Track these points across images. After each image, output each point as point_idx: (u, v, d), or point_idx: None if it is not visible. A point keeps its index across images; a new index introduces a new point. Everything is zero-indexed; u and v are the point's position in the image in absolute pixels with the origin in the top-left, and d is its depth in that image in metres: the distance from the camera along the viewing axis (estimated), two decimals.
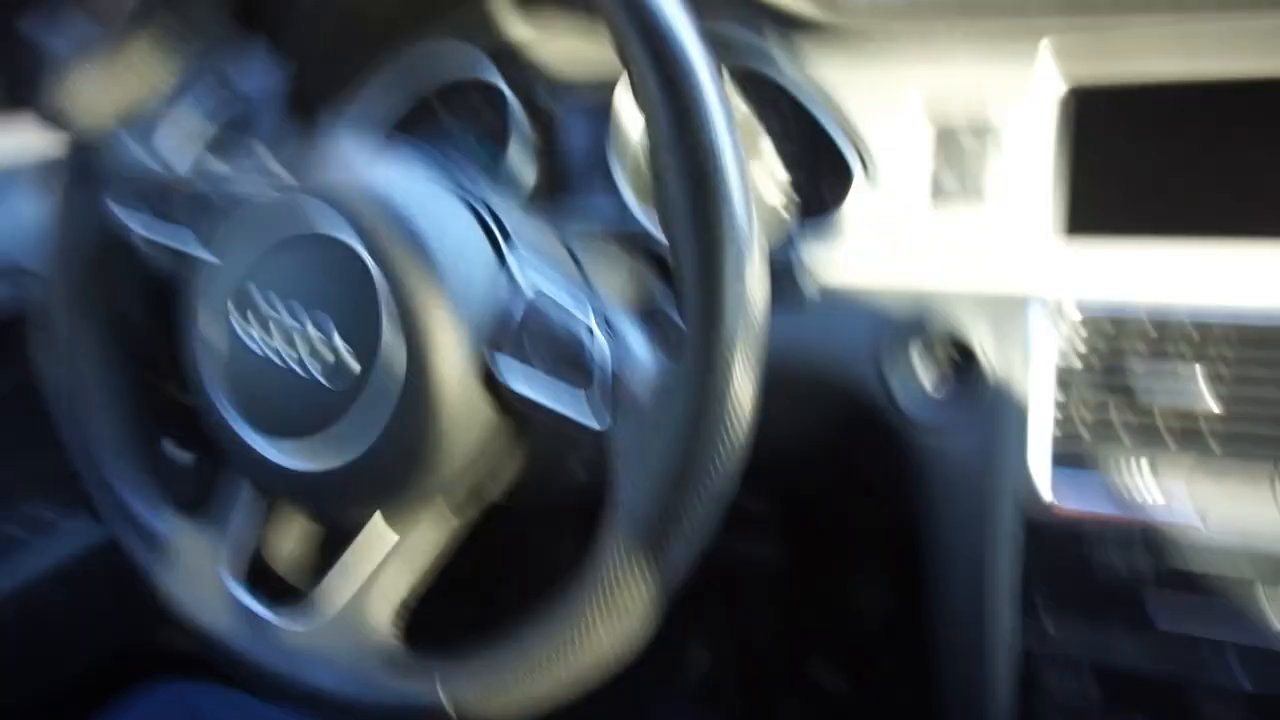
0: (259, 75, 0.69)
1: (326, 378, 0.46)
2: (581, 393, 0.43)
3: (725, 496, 0.40)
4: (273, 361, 0.47)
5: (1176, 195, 0.57)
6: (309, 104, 0.74)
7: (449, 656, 0.47)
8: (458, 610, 0.55)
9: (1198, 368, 0.52)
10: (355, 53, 0.74)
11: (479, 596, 0.54)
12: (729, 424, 0.39)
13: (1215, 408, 0.51)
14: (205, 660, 0.55)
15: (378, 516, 0.51)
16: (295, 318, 0.47)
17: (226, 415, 0.49)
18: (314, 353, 0.46)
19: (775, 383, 0.60)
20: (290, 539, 0.56)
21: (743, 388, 0.39)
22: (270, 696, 0.54)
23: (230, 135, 0.63)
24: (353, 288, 0.46)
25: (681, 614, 1.25)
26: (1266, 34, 0.52)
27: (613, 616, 0.42)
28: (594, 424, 0.42)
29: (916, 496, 0.59)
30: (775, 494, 1.12)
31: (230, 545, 0.54)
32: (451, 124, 0.74)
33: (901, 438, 0.58)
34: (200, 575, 0.55)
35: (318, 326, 0.46)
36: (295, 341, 0.47)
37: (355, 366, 0.45)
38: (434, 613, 0.54)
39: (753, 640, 1.26)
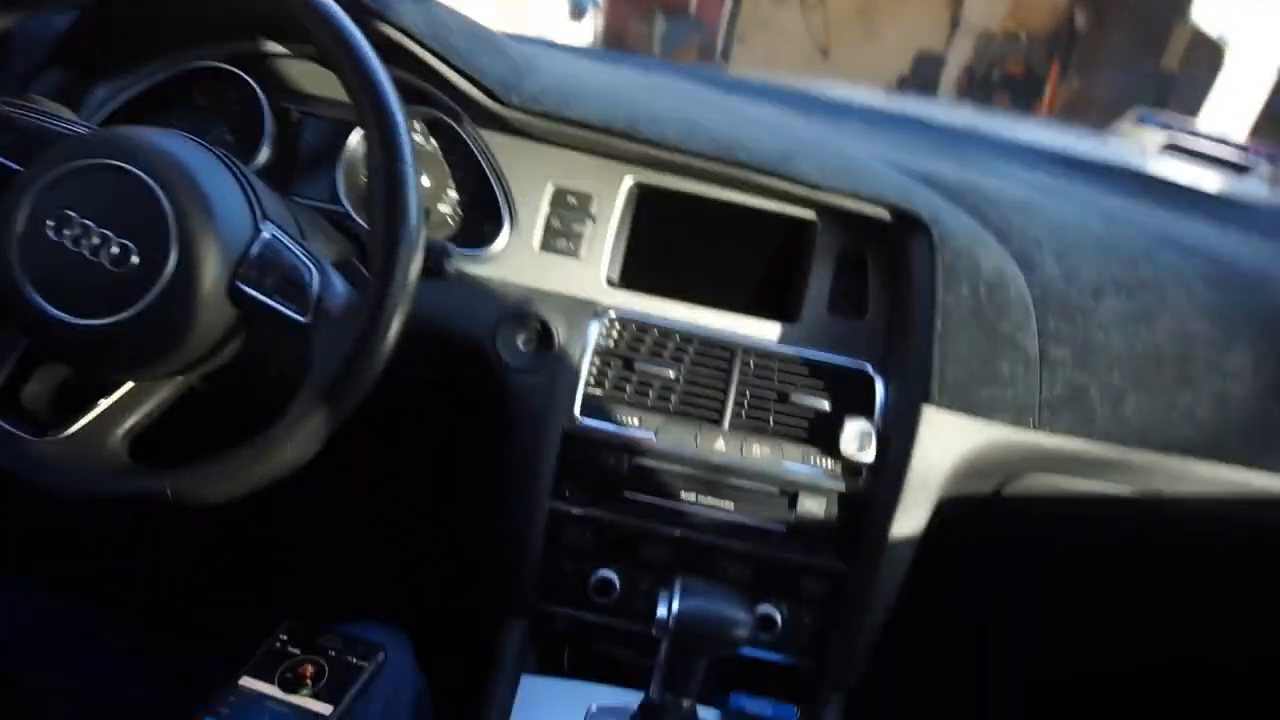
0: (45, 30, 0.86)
1: (110, 264, 0.67)
2: (295, 305, 0.70)
3: (378, 375, 0.69)
4: (65, 248, 0.68)
5: (675, 271, 0.98)
6: (84, 68, 0.92)
7: (174, 466, 0.70)
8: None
9: (669, 355, 0.92)
10: (131, 55, 0.93)
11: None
12: (388, 331, 0.68)
13: (675, 378, 0.91)
14: None
15: None
16: (92, 221, 0.67)
17: (19, 284, 0.68)
18: (104, 246, 0.67)
19: (427, 336, 0.92)
20: (47, 383, 0.75)
21: (398, 312, 0.68)
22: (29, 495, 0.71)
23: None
24: (140, 207, 0.68)
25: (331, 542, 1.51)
26: (746, 179, 0.94)
27: (297, 437, 0.69)
28: (302, 320, 0.70)
29: (504, 418, 0.92)
30: (410, 438, 1.41)
31: None
32: (207, 105, 0.96)
33: (500, 377, 0.91)
34: None
35: (109, 229, 0.67)
36: (89, 236, 0.67)
37: (135, 259, 0.68)
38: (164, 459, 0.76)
39: (386, 554, 1.53)
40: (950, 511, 0.90)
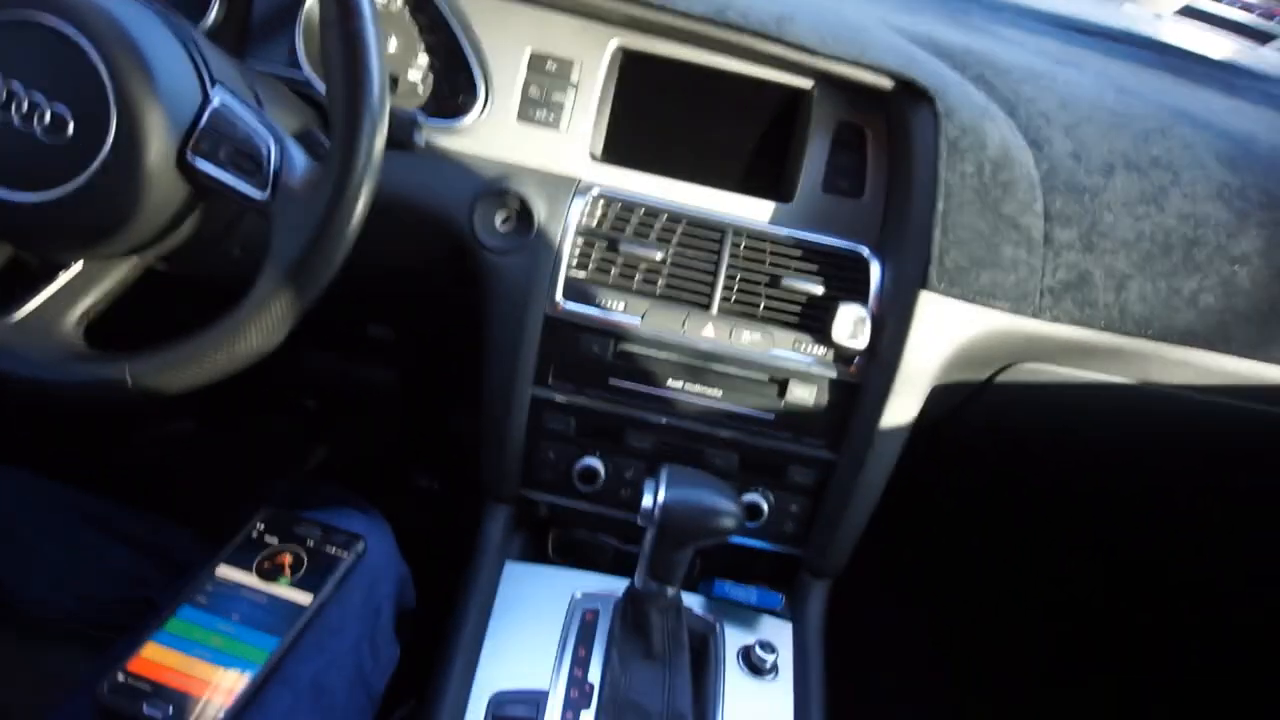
0: None
1: (45, 134, 0.61)
2: (251, 180, 0.65)
3: (343, 255, 0.65)
4: None
5: (662, 146, 0.92)
6: None
7: (131, 353, 0.67)
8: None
9: (655, 236, 0.87)
10: None
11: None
12: (352, 207, 0.63)
13: (662, 260, 0.86)
14: None
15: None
16: (19, 84, 0.61)
17: None
18: (35, 113, 0.61)
19: (400, 213, 0.86)
20: None
21: (364, 186, 0.63)
22: None
23: None
24: (73, 69, 0.61)
25: (312, 422, 1.51)
26: (739, 44, 0.86)
27: (260, 322, 0.65)
28: (260, 196, 0.64)
29: (484, 301, 0.88)
30: (397, 324, 1.38)
31: None
32: None
33: (478, 258, 0.87)
34: None
35: (39, 93, 0.61)
36: (17, 101, 0.61)
37: (70, 129, 0.62)
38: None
39: (370, 447, 1.52)
40: (940, 399, 0.88)
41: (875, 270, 0.87)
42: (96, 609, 0.84)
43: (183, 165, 0.65)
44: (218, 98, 0.65)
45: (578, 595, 0.85)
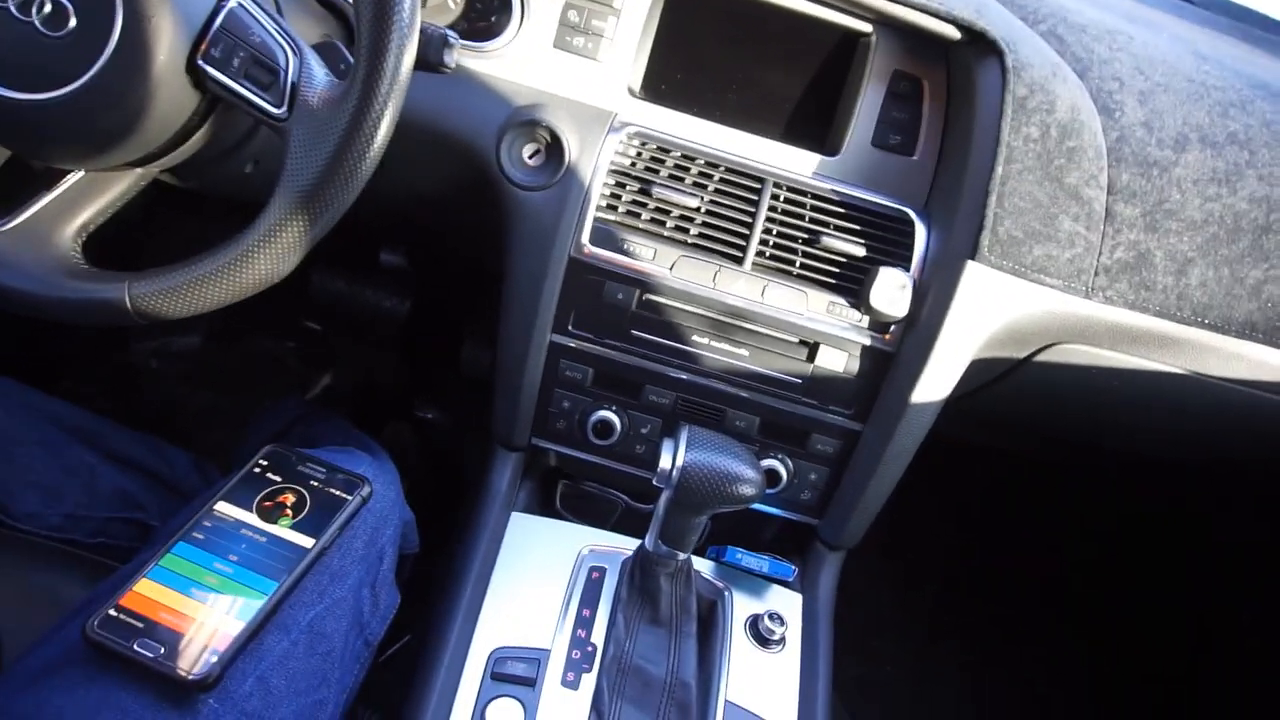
0: None
1: (45, 26, 0.56)
2: (266, 93, 0.60)
3: (363, 181, 0.60)
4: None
5: (704, 86, 0.86)
6: None
7: (132, 272, 0.62)
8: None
9: (691, 181, 0.82)
10: None
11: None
12: (375, 130, 0.58)
13: (697, 208, 0.81)
14: None
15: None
16: None
17: None
18: (36, 2, 0.56)
19: (422, 137, 0.81)
20: None
21: (388, 107, 0.58)
22: None
23: None
24: None
25: (321, 346, 1.47)
26: None
27: (270, 248, 0.60)
28: (275, 111, 0.59)
29: (505, 238, 0.83)
30: (413, 252, 1.33)
31: None
32: None
33: (503, 192, 0.82)
34: None
35: None
36: None
37: (72, 22, 0.56)
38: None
39: (375, 374, 1.49)
40: (972, 375, 0.84)
41: (921, 234, 0.82)
42: (88, 527, 0.81)
43: (193, 71, 0.59)
44: (233, 1, 0.60)
45: (585, 552, 0.82)
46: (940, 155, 0.84)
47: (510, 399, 0.88)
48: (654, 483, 0.71)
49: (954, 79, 0.84)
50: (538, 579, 0.80)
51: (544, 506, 0.95)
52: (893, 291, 0.79)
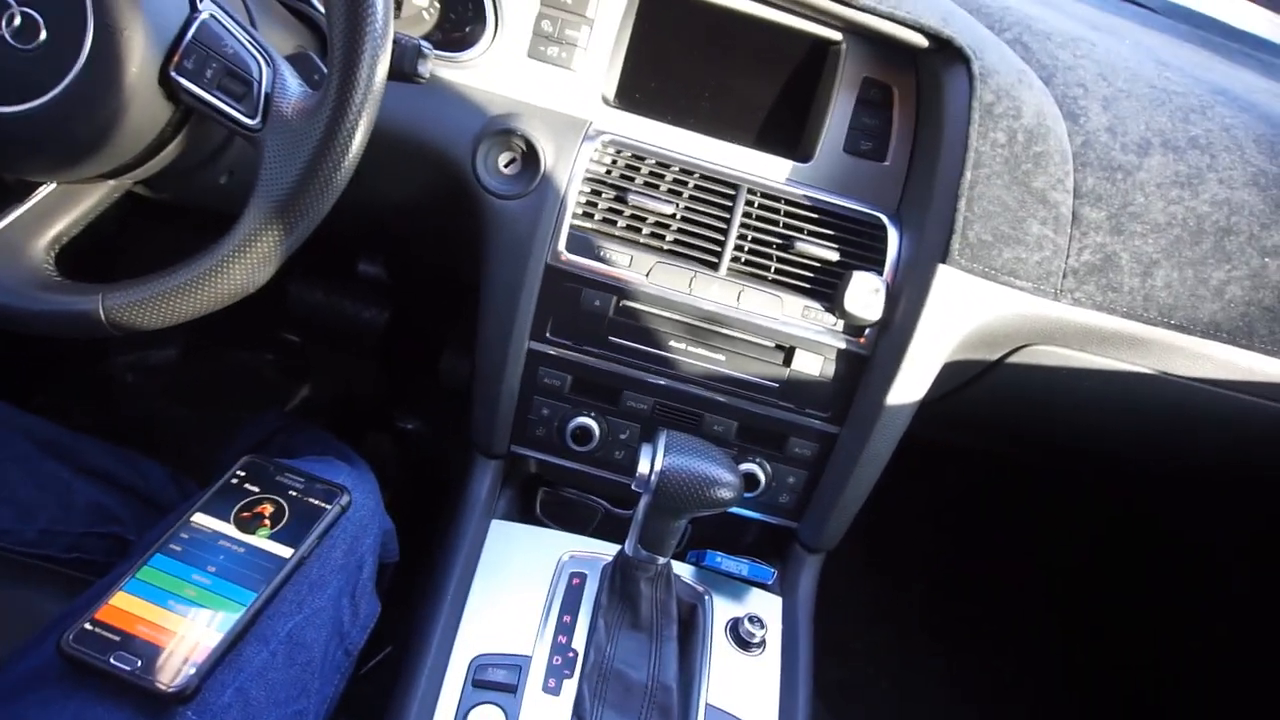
0: None
1: (15, 39, 0.56)
2: (240, 104, 0.60)
3: (337, 192, 0.60)
4: None
5: (678, 93, 0.87)
6: None
7: (106, 284, 0.62)
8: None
9: (666, 188, 0.83)
10: None
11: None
12: (349, 140, 0.58)
13: (672, 214, 0.82)
14: None
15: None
16: None
17: None
18: (5, 15, 0.56)
19: (397, 147, 0.81)
20: None
21: (362, 116, 0.58)
22: None
23: None
24: None
25: (298, 358, 1.46)
26: None
27: (245, 259, 0.60)
28: (249, 122, 0.59)
29: (482, 247, 0.84)
30: (390, 262, 1.33)
31: None
32: None
33: (479, 201, 0.82)
34: None
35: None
36: None
37: (43, 35, 0.56)
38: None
39: (354, 384, 1.48)
40: (946, 377, 0.85)
41: (893, 239, 0.83)
42: (63, 542, 0.80)
43: (166, 83, 0.60)
44: (205, 10, 0.60)
45: (565, 558, 0.82)
46: (911, 160, 0.86)
47: (489, 407, 0.88)
48: (633, 488, 0.71)
49: (923, 86, 0.85)
50: (518, 586, 0.80)
51: (524, 514, 0.95)
52: (866, 295, 0.80)
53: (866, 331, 0.82)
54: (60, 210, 0.65)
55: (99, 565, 0.78)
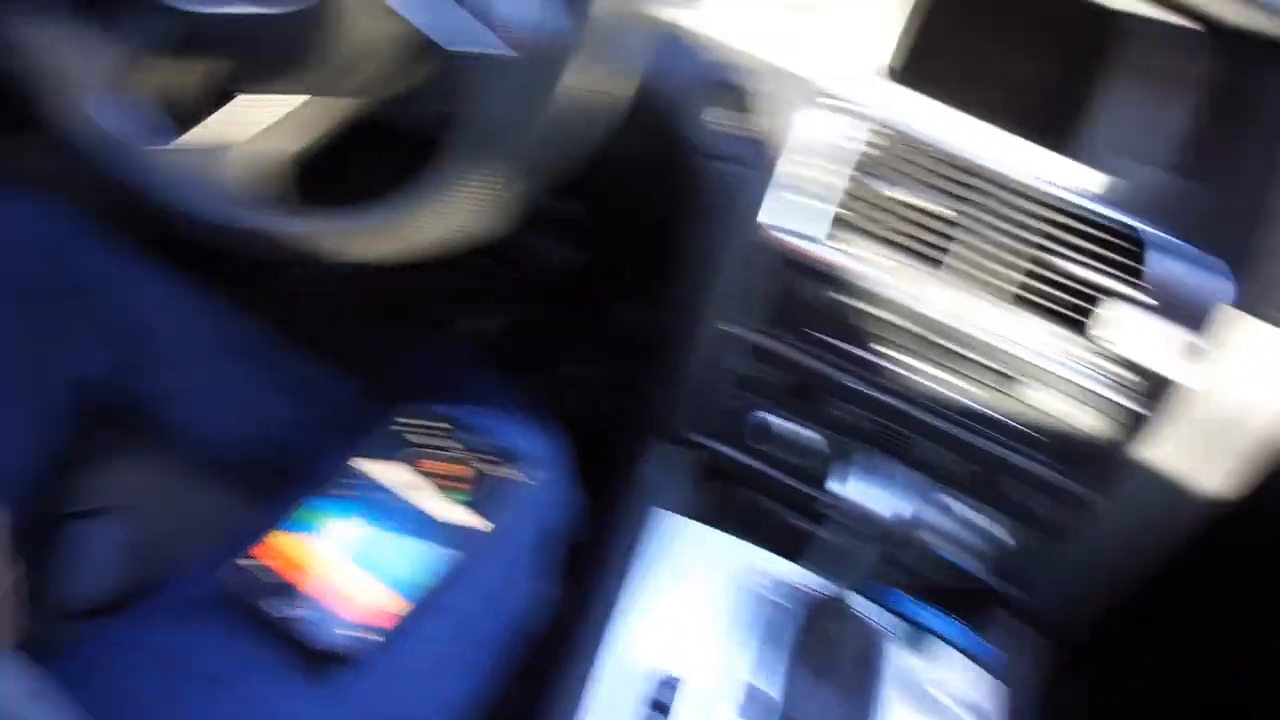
0: None
1: None
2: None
3: (590, 139, 0.54)
4: None
5: (975, 82, 0.74)
6: None
7: (324, 210, 0.58)
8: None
9: (916, 177, 0.69)
10: None
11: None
12: (601, 87, 0.51)
13: (918, 208, 0.69)
14: None
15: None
16: None
17: None
18: None
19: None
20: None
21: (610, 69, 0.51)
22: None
23: None
24: None
25: (483, 287, 1.40)
26: None
27: (482, 203, 0.55)
28: (500, 53, 0.53)
29: (689, 209, 0.75)
30: (587, 199, 1.26)
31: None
32: None
33: (692, 161, 0.73)
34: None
35: None
36: None
37: None
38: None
39: (529, 324, 1.45)
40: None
41: (1204, 276, 0.67)
42: (257, 451, 0.79)
43: None
44: None
45: (761, 582, 0.74)
46: (1251, 186, 0.69)
47: (668, 385, 0.80)
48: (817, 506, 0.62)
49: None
50: (699, 599, 0.72)
51: (695, 508, 0.86)
52: (1158, 340, 0.65)
53: (1159, 387, 0.67)
54: (301, 126, 0.62)
55: (277, 480, 0.77)
